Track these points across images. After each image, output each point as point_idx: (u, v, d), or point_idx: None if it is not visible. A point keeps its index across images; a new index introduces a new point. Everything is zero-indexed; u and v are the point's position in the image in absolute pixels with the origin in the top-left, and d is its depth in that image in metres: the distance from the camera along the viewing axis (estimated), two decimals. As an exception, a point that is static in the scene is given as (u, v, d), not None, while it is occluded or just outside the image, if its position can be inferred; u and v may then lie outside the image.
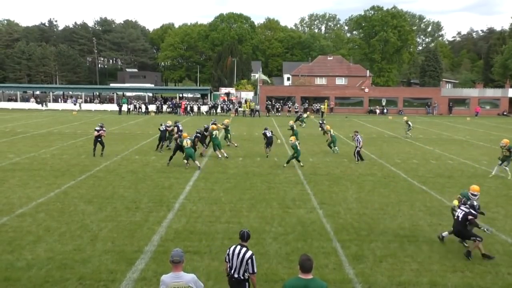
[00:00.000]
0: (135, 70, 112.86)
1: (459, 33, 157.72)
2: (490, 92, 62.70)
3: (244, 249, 6.73)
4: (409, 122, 32.59)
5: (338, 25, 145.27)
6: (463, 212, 9.92)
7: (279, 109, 55.57)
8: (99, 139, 21.83)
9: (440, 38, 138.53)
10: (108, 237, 10.66)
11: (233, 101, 60.66)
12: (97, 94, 66.69)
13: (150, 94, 66.52)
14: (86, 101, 62.88)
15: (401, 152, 25.07)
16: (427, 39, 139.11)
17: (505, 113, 58.92)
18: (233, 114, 53.44)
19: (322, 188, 15.98)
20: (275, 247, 10.23)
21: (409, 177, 18.18)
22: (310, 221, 12.14)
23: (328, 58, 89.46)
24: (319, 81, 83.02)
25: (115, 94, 65.11)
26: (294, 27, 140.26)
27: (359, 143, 21.47)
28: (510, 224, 12.11)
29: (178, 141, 20.04)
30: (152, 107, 55.55)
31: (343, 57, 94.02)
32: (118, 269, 8.95)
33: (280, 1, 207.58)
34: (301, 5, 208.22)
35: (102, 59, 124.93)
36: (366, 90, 61.25)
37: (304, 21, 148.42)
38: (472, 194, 10.82)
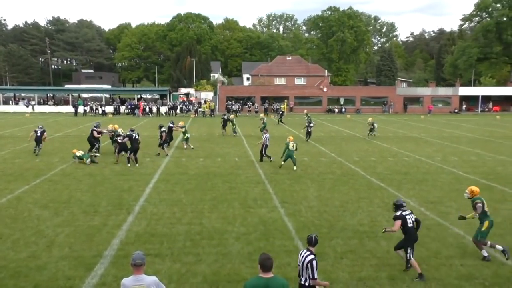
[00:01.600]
0: (91, 71, 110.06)
1: (412, 33, 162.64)
2: (442, 91, 65.05)
3: (307, 253, 6.51)
4: (375, 124, 31.21)
5: (296, 25, 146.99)
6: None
7: (239, 109, 55.58)
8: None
9: (395, 39, 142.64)
10: (65, 243, 10.34)
11: (193, 101, 60.21)
12: (51, 95, 64.56)
13: (107, 95, 65.03)
14: (39, 103, 60.73)
15: (359, 150, 25.59)
16: (382, 40, 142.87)
17: (456, 110, 61.21)
18: (193, 115, 53.03)
19: (283, 187, 16.09)
20: (237, 247, 10.21)
21: (367, 174, 18.58)
22: (272, 220, 12.20)
23: (287, 58, 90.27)
24: (279, 81, 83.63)
25: (70, 95, 63.29)
26: (252, 27, 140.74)
27: (266, 141, 21.66)
28: (463, 218, 12.56)
29: (119, 139, 20.72)
30: (109, 109, 54.33)
31: (302, 57, 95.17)
32: (76, 275, 8.69)
33: (238, 1, 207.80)
34: (259, 6, 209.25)
35: (56, 59, 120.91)
36: (325, 89, 62.22)
37: (262, 22, 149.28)
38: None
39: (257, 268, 5.36)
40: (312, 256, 6.47)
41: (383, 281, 8.62)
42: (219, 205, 13.67)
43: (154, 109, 53.96)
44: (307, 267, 6.42)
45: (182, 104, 57.25)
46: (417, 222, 9.07)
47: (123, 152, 20.67)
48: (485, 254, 9.65)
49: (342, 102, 61.25)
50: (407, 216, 8.92)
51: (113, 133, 22.40)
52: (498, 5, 78.36)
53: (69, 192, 14.97)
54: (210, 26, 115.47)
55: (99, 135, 22.46)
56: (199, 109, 54.87)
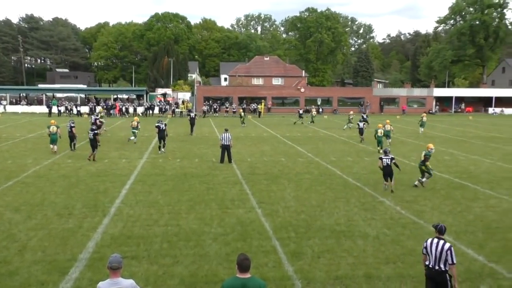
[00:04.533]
0: (66, 70, 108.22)
1: (388, 35, 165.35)
2: (417, 92, 66.18)
3: (442, 242, 6.99)
4: (350, 116, 34.09)
5: (274, 26, 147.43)
6: (389, 158, 15.60)
7: (217, 110, 55.43)
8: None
9: (371, 40, 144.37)
10: (38, 247, 10.12)
11: (170, 102, 59.81)
12: (24, 95, 63.22)
13: (83, 95, 64.05)
14: (11, 103, 59.42)
15: (336, 150, 25.81)
16: (359, 41, 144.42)
17: (431, 111, 62.30)
18: (170, 115, 52.64)
19: (261, 188, 16.10)
20: (215, 248, 10.17)
21: (344, 174, 18.75)
22: (249, 221, 12.19)
23: (265, 59, 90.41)
24: (256, 81, 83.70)
25: (44, 95, 62.07)
26: (230, 28, 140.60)
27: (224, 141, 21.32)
28: (437, 216, 12.79)
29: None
30: (85, 109, 53.50)
31: (280, 58, 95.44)
32: (49, 279, 8.51)
33: (216, 1, 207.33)
34: (237, 6, 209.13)
35: (29, 58, 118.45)
36: (302, 90, 62.57)
37: (241, 22, 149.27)
38: (430, 149, 16.91)
39: (235, 269, 5.36)
40: (449, 244, 7.00)
41: (360, 279, 8.70)
42: (196, 206, 13.60)
43: (131, 110, 53.38)
44: (446, 254, 6.88)
45: (159, 104, 56.83)
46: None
47: (96, 151, 21.12)
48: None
49: (319, 103, 61.65)
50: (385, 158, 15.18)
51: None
52: (471, 9, 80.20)
53: (43, 195, 14.67)
54: (188, 26, 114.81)
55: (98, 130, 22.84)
56: (177, 110, 54.52)
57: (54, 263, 9.24)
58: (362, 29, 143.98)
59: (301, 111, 46.65)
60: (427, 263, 7.15)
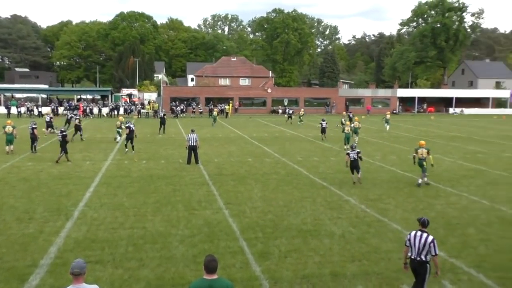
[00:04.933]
0: (26, 69, 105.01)
1: (354, 36, 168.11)
2: (382, 92, 67.52)
3: (425, 234, 7.41)
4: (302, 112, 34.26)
5: (241, 27, 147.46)
6: (355, 153, 16.75)
7: (184, 110, 54.98)
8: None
9: (337, 41, 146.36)
10: (-3, 252, 9.77)
11: (136, 102, 58.94)
12: (-20, 95, 60.91)
13: (44, 96, 62.27)
14: (-32, 104, 57.16)
15: (302, 150, 26.03)
16: (325, 42, 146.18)
17: (395, 111, 63.67)
18: (136, 116, 51.85)
19: (228, 188, 16.07)
20: (181, 250, 10.07)
21: (310, 174, 18.92)
22: (217, 222, 12.14)
23: (232, 59, 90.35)
24: (223, 81, 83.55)
25: (2, 95, 59.97)
26: (197, 28, 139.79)
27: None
28: (400, 214, 13.08)
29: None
30: (46, 110, 51.98)
31: (247, 58, 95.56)
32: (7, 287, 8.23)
33: (182, 1, 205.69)
34: (204, 6, 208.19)
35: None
36: (269, 90, 62.83)
37: (207, 22, 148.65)
38: (421, 146, 17.12)
39: (202, 271, 5.33)
40: (432, 237, 7.43)
41: (326, 277, 8.80)
42: (163, 208, 13.44)
43: (95, 110, 52.30)
44: (429, 246, 7.32)
45: (125, 104, 55.93)
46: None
47: (63, 153, 20.64)
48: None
49: (286, 103, 62.05)
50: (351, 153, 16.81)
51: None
52: (433, 12, 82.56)
53: (1, 199, 14.16)
54: (154, 26, 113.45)
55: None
56: (143, 110, 53.74)
57: (13, 270, 8.92)
58: (328, 30, 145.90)
59: (290, 111, 47.24)
60: (409, 254, 7.54)
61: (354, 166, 16.87)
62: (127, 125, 24.08)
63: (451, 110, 65.75)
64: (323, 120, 31.62)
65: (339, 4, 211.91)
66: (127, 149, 23.96)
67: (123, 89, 66.71)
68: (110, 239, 10.70)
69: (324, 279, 8.72)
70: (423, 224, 7.59)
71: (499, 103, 70.24)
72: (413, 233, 7.57)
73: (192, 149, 20.74)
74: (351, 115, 40.19)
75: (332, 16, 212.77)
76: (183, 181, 17.13)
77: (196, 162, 20.83)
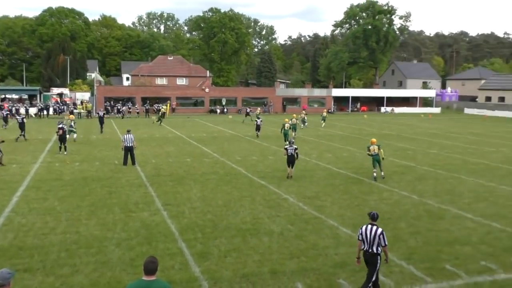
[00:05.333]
0: None
1: (290, 37, 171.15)
2: (318, 92, 69.16)
3: (375, 227, 7.76)
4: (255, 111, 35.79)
5: (178, 25, 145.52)
6: (293, 148, 17.69)
7: (120, 111, 53.41)
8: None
9: (274, 41, 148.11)
10: None
11: (68, 102, 56.53)
12: None
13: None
14: None
15: (241, 149, 26.14)
16: (262, 42, 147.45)
17: (330, 110, 65.46)
18: (67, 116, 49.66)
19: (166, 189, 15.81)
20: (118, 254, 9.79)
21: (249, 173, 19.04)
22: (155, 224, 11.91)
23: (169, 58, 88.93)
24: (160, 81, 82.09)
25: None
26: (132, 26, 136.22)
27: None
28: (336, 210, 13.48)
29: None
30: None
31: (184, 57, 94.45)
32: None
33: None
34: (138, 3, 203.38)
35: None
36: (207, 90, 62.50)
37: (142, 20, 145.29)
38: (372, 144, 18.16)
39: (140, 274, 5.21)
40: (381, 229, 7.79)
41: (266, 275, 8.88)
42: (98, 211, 12.99)
43: (22, 111, 49.52)
44: (379, 238, 7.68)
45: (55, 105, 53.47)
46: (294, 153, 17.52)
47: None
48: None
49: (224, 103, 62.04)
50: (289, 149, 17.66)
51: None
52: (364, 14, 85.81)
53: None
54: (86, 23, 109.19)
55: None
56: (75, 110, 51.60)
57: None
58: (264, 30, 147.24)
59: (248, 110, 49.07)
60: (362, 247, 7.92)
61: (290, 160, 17.92)
62: (59, 126, 23.35)
63: (382, 109, 68.52)
64: (258, 118, 33.38)
65: (275, 4, 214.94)
66: (61, 151, 23.26)
67: (53, 88, 63.75)
68: (40, 245, 10.20)
69: (263, 277, 8.81)
70: (373, 218, 7.96)
71: (426, 102, 74.18)
72: (364, 227, 7.91)
73: (128, 150, 20.24)
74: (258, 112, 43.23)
75: (268, 17, 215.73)
76: (119, 183, 16.65)
77: (133, 163, 20.33)
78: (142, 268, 5.54)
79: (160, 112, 43.92)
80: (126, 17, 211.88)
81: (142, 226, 11.71)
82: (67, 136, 26.69)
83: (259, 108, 49.55)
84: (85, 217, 12.41)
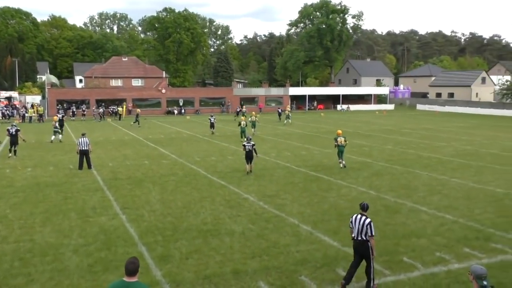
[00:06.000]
0: None
1: (245, 36, 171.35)
2: (275, 91, 69.63)
3: (364, 217, 8.25)
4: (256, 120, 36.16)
5: (131, 26, 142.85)
6: (251, 145, 18.31)
7: (75, 113, 51.89)
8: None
9: (230, 41, 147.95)
10: None
11: (17, 106, 54.39)
12: None
13: None
14: None
15: (200, 150, 25.97)
16: (218, 42, 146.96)
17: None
18: (18, 121, 47.79)
19: (124, 193, 15.50)
20: (75, 261, 9.51)
21: (209, 173, 18.94)
22: (113, 228, 11.66)
23: (123, 59, 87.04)
24: (115, 82, 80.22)
25: None
26: (84, 26, 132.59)
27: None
28: (296, 208, 13.62)
29: None
30: None
31: (139, 58, 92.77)
32: None
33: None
34: (89, 3, 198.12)
35: None
36: (163, 91, 61.72)
37: (94, 20, 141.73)
38: (339, 135, 19.79)
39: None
40: (370, 219, 8.23)
41: (228, 276, 8.87)
42: (53, 217, 12.58)
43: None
44: (366, 227, 8.14)
45: (4, 108, 51.35)
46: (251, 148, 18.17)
47: None
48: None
49: (181, 104, 61.44)
50: (247, 145, 18.49)
51: None
52: (318, 13, 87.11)
53: None
54: (34, 23, 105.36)
55: None
56: (26, 114, 49.69)
57: None
58: (220, 30, 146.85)
59: (238, 109, 52.14)
60: (352, 235, 8.38)
61: (248, 157, 18.50)
62: (7, 128, 23.11)
63: (339, 107, 69.80)
64: (212, 116, 35.29)
65: (230, 4, 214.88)
66: (10, 154, 22.73)
67: (1, 91, 61.17)
68: (-8, 255, 9.76)
69: (226, 278, 8.79)
70: (363, 208, 8.43)
71: (380, 99, 76.19)
72: (354, 216, 8.40)
73: (84, 154, 19.72)
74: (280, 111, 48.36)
75: (223, 16, 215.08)
76: (75, 188, 16.19)
77: (89, 167, 19.82)
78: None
79: (136, 115, 43.69)
80: (77, 18, 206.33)
81: (100, 231, 11.44)
82: (52, 137, 27.75)
83: (288, 107, 51.63)
84: (39, 224, 11.98)
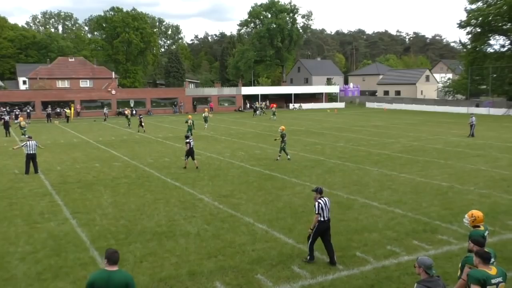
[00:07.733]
0: None
1: (196, 36, 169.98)
2: (227, 91, 69.55)
3: (326, 198, 9.46)
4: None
5: (77, 25, 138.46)
6: (191, 142, 19.66)
7: (18, 116, 49.66)
8: None
9: (180, 41, 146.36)
10: None
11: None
12: None
13: None
14: None
15: (153, 151, 25.56)
16: (168, 42, 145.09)
17: (240, 109, 66.23)
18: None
19: (74, 197, 15.02)
20: (23, 269, 9.12)
21: (162, 175, 18.68)
22: (63, 234, 11.27)
23: (70, 60, 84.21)
24: (62, 84, 77.50)
25: None
26: (26, 26, 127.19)
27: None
28: (251, 207, 13.65)
29: None
30: None
31: (86, 59, 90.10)
32: None
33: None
34: (32, 2, 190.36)
35: None
36: (113, 92, 60.29)
37: (38, 20, 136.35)
38: (283, 131, 22.28)
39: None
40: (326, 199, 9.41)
41: (184, 277, 8.78)
42: (-2, 225, 12.00)
43: None
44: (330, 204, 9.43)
45: None
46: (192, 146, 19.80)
47: None
48: None
49: (132, 105, 60.22)
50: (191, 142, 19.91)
51: None
52: (268, 13, 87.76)
53: None
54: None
55: None
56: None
57: None
58: (170, 30, 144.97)
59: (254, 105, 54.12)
60: (321, 219, 9.15)
61: (191, 152, 19.87)
62: None
63: (291, 105, 70.61)
64: (140, 116, 38.23)
65: (179, 4, 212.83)
66: None
67: None
68: None
69: (181, 279, 8.70)
70: (321, 192, 9.44)
71: (331, 98, 77.68)
72: (320, 201, 9.24)
73: (31, 158, 18.96)
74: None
75: (173, 16, 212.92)
76: (20, 193, 15.53)
77: (36, 171, 19.08)
78: (105, 260, 5.70)
79: (127, 116, 43.26)
80: (19, 17, 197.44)
81: (49, 237, 11.03)
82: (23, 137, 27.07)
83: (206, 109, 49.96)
84: (-18, 233, 11.41)
